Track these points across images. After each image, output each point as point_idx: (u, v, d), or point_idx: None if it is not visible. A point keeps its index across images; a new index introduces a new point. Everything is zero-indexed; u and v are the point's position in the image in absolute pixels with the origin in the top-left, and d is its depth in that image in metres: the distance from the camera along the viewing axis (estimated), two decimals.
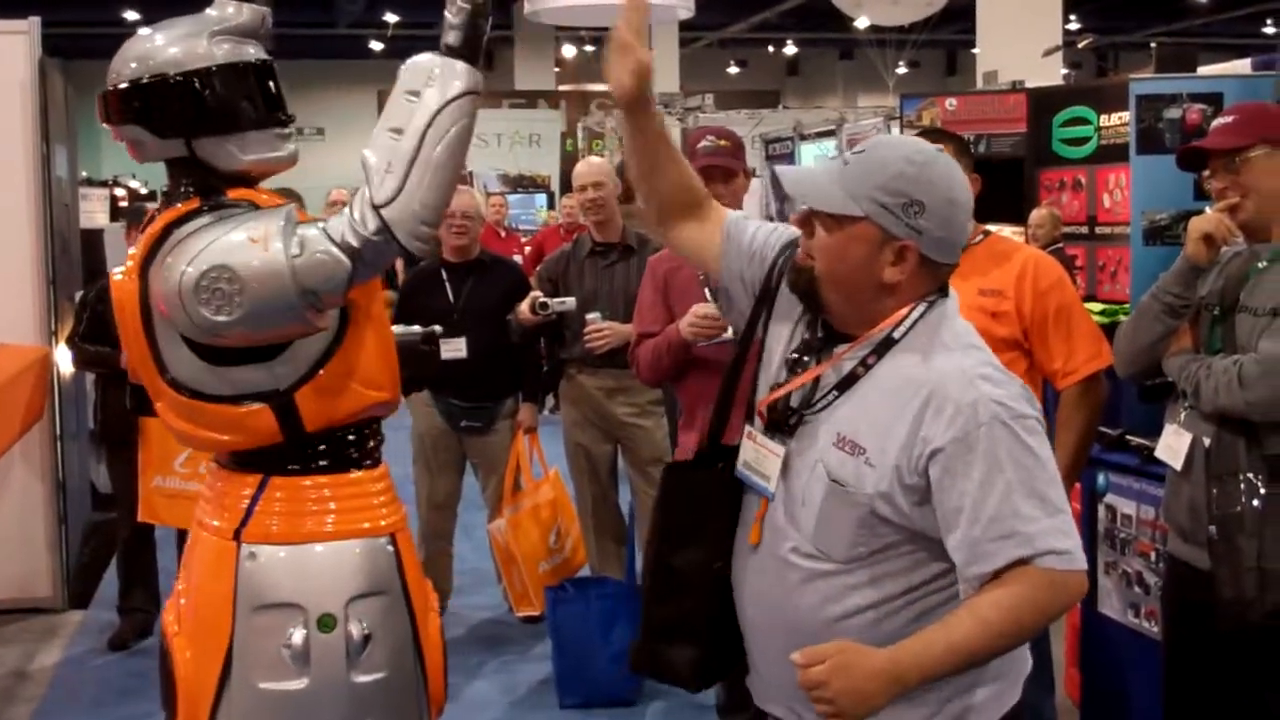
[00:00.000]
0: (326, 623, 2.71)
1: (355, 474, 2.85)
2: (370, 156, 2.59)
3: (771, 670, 2.38)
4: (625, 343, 4.77)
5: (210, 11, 2.78)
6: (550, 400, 6.83)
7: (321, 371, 2.71)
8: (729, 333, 4.15)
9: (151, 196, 22.74)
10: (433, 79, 2.59)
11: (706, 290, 4.28)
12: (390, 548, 2.83)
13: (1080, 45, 16.98)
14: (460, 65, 2.62)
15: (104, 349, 5.72)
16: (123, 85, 2.73)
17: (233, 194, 2.75)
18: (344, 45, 30.71)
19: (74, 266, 7.09)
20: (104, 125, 2.78)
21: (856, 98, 28.08)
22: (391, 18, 27.31)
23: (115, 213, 19.44)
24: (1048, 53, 10.70)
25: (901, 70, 26.68)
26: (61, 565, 6.41)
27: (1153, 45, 17.29)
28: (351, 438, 2.86)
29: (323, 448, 2.81)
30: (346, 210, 2.60)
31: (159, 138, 2.73)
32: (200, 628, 2.79)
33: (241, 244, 2.56)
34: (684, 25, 20.25)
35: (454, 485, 6.15)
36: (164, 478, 5.72)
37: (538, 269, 6.00)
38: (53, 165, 6.32)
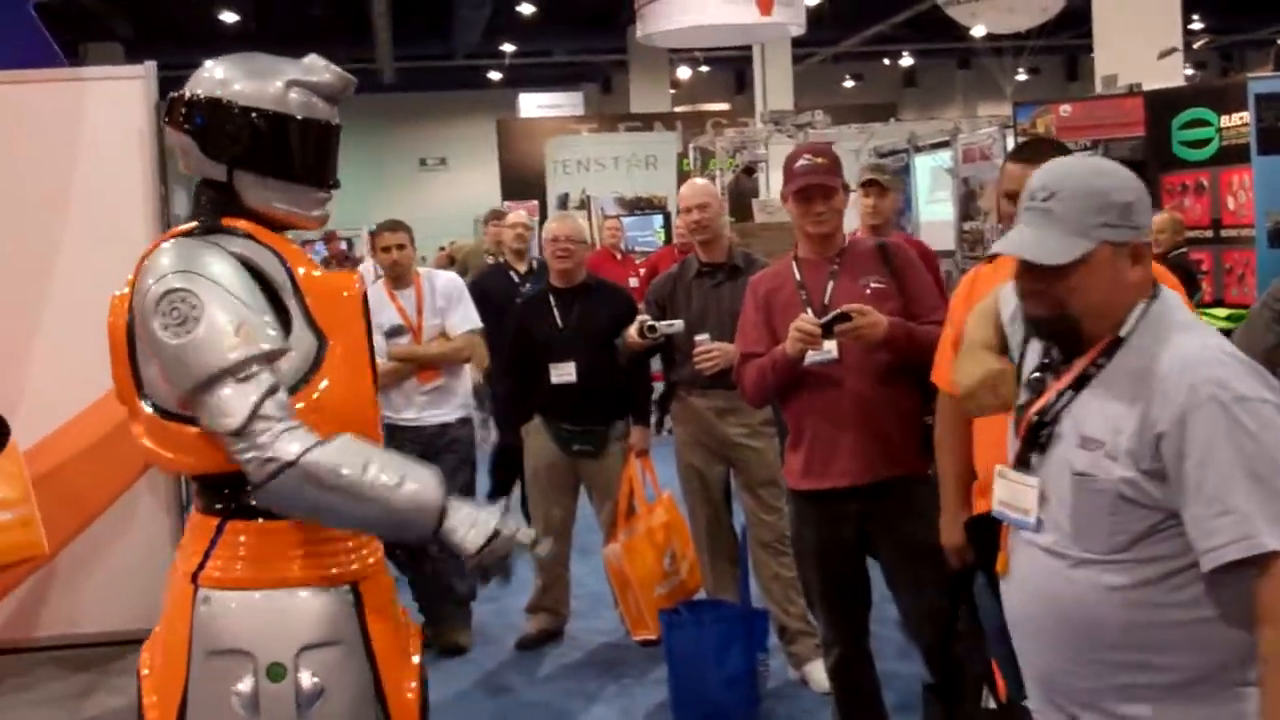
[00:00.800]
0: (276, 672, 2.64)
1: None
2: (337, 452, 2.57)
3: (1050, 675, 2.47)
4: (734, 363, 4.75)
5: (303, 61, 2.84)
6: (669, 421, 6.82)
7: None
8: (833, 350, 4.12)
9: None
10: (422, 507, 2.60)
11: (808, 309, 4.25)
12: (350, 596, 2.72)
13: (1196, 46, 16.59)
14: (441, 529, 2.63)
15: None
16: (190, 94, 2.77)
17: (236, 222, 2.75)
18: (463, 76, 31.08)
19: None
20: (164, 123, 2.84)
21: (976, 107, 27.76)
22: (508, 47, 27.59)
23: None
24: (1163, 54, 10.45)
25: (1021, 77, 26.34)
26: None
27: (1278, 42, 16.86)
28: None
29: None
30: (281, 420, 2.54)
31: (207, 157, 2.76)
32: (162, 672, 2.76)
33: (232, 311, 2.56)
34: (797, 42, 20.17)
35: (569, 510, 6.17)
36: None
37: (646, 291, 6.01)
38: (172, 205, 6.47)
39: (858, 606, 4.43)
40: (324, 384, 2.68)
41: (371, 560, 2.81)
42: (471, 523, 2.63)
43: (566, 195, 21.54)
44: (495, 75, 30.65)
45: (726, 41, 17.59)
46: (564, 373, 5.92)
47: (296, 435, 2.53)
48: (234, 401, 2.52)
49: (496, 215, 9.51)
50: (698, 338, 5.38)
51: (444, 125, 34.36)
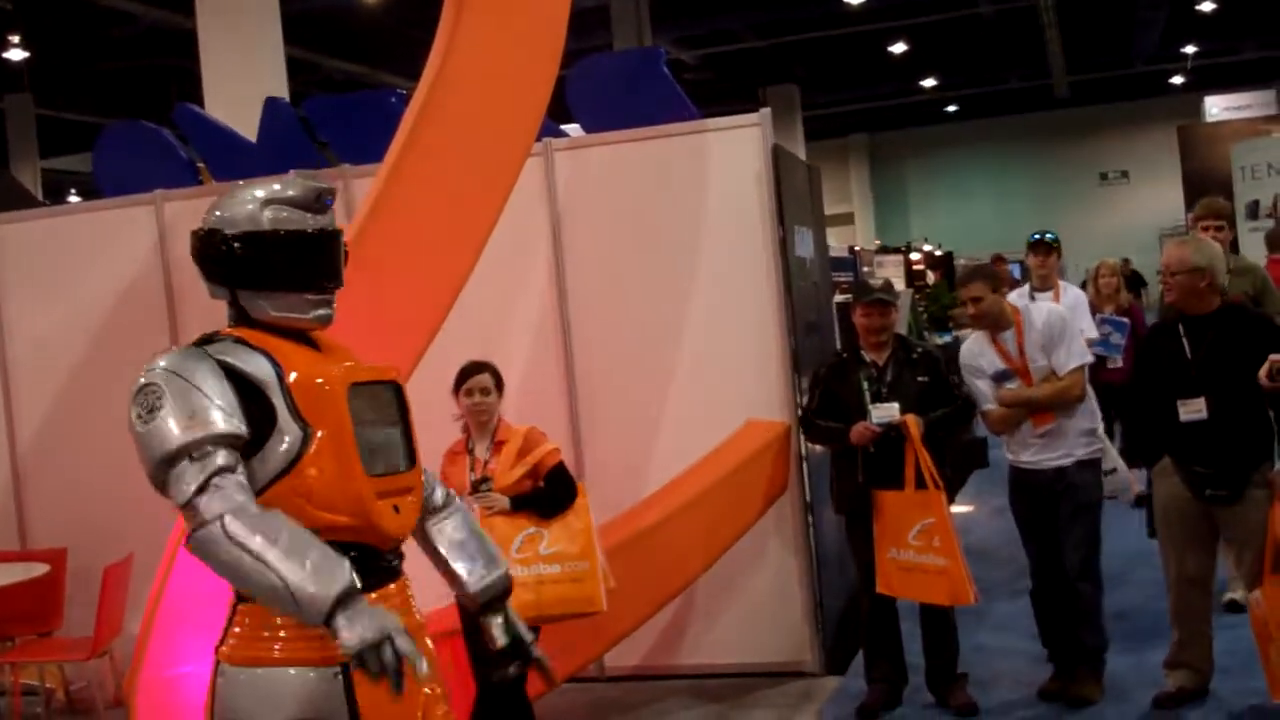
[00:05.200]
0: None
1: None
2: (257, 521, 2.76)
3: None
4: None
5: (274, 183, 3.11)
6: None
7: (270, 490, 2.89)
8: None
9: (947, 259, 23.19)
10: (311, 598, 2.69)
11: None
12: (339, 677, 2.89)
13: None
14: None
15: (833, 425, 5.85)
16: (195, 229, 3.11)
17: (237, 331, 3.05)
18: (1142, 83, 29.76)
19: (827, 342, 7.35)
20: None
21: None
22: (1190, 49, 26.10)
23: (910, 277, 20.11)
24: None
25: None
26: (817, 631, 6.61)
27: None
28: None
29: None
30: (221, 489, 2.78)
31: (209, 282, 3.11)
32: None
33: (188, 402, 2.84)
34: None
35: (1205, 560, 5.62)
36: (898, 550, 5.73)
37: None
38: (791, 247, 6.59)
39: None
40: (310, 469, 2.91)
41: None
42: (363, 626, 2.68)
43: (1256, 203, 19.99)
44: (1177, 79, 29.11)
45: None
46: (1194, 409, 5.40)
47: (227, 498, 2.77)
48: (186, 478, 2.80)
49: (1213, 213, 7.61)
50: None
51: (1123, 136, 33.07)
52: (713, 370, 6.64)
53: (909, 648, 6.09)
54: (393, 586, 3.11)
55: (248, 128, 7.86)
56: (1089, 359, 5.91)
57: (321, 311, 3.13)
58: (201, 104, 10.46)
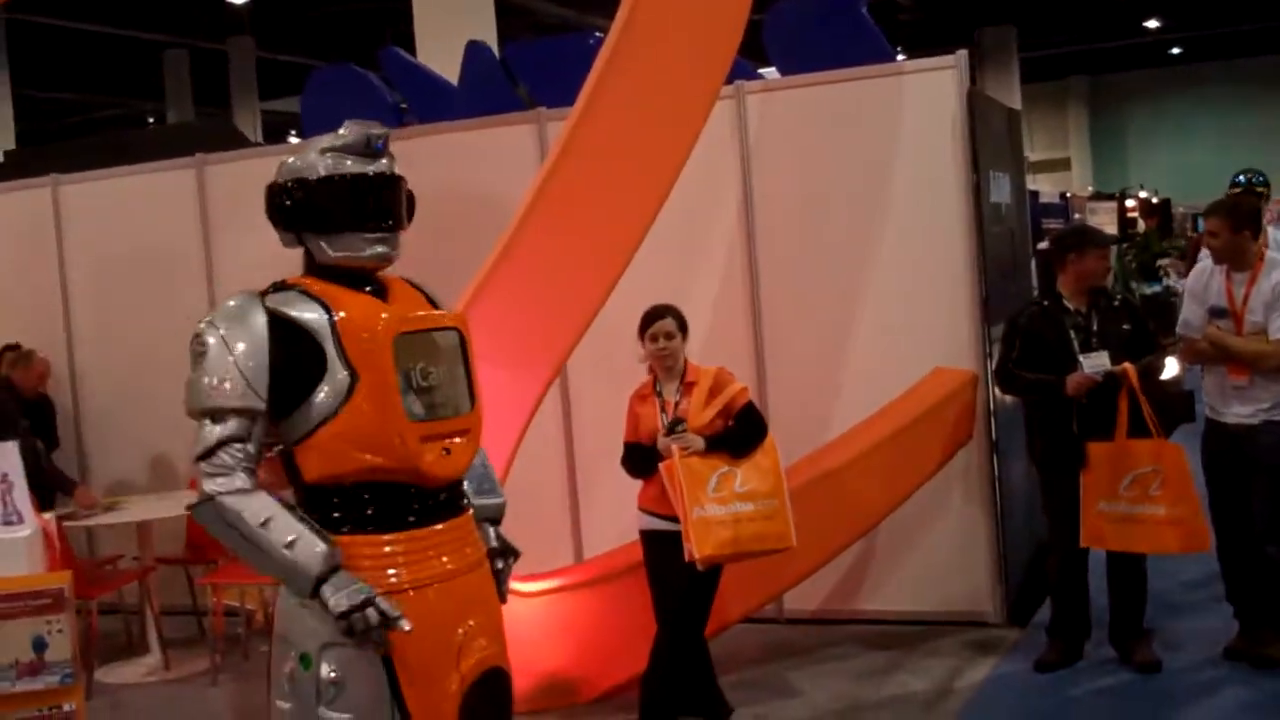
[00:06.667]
0: (306, 660, 3.17)
1: (358, 536, 3.18)
2: (246, 502, 3.11)
3: None
4: None
5: (331, 134, 3.29)
6: None
7: (319, 431, 3.13)
8: None
9: (1164, 207, 22.34)
10: (299, 571, 3.07)
11: None
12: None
13: None
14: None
15: (1042, 376, 5.72)
16: (269, 184, 3.32)
17: (302, 280, 3.28)
18: None
19: (1023, 290, 7.23)
20: None
21: None
22: None
23: (1123, 225, 19.43)
24: None
25: None
26: (1000, 582, 6.54)
27: None
28: (366, 496, 3.19)
29: (336, 503, 3.20)
30: (224, 466, 3.13)
31: (278, 230, 3.32)
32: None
33: (223, 367, 3.11)
34: None
35: None
36: (1110, 502, 5.61)
37: None
38: (984, 193, 6.47)
39: None
40: (354, 413, 3.12)
41: (393, 581, 3.17)
42: (345, 591, 3.04)
43: None
44: None
45: None
46: None
47: (227, 480, 3.13)
48: (202, 438, 3.16)
49: None
50: None
51: None
52: (901, 316, 6.59)
53: (1094, 602, 5.98)
54: (452, 522, 3.31)
55: (457, 71, 8.03)
56: None
57: (379, 249, 3.30)
58: (414, 47, 10.72)
